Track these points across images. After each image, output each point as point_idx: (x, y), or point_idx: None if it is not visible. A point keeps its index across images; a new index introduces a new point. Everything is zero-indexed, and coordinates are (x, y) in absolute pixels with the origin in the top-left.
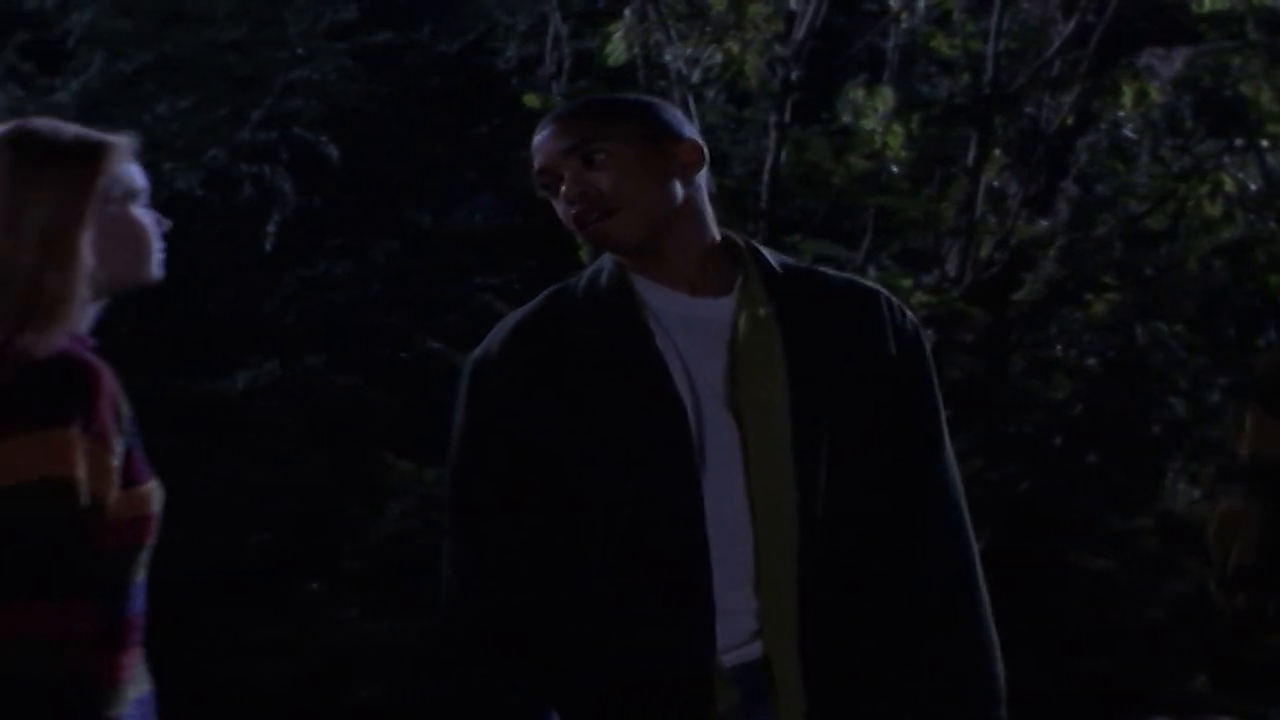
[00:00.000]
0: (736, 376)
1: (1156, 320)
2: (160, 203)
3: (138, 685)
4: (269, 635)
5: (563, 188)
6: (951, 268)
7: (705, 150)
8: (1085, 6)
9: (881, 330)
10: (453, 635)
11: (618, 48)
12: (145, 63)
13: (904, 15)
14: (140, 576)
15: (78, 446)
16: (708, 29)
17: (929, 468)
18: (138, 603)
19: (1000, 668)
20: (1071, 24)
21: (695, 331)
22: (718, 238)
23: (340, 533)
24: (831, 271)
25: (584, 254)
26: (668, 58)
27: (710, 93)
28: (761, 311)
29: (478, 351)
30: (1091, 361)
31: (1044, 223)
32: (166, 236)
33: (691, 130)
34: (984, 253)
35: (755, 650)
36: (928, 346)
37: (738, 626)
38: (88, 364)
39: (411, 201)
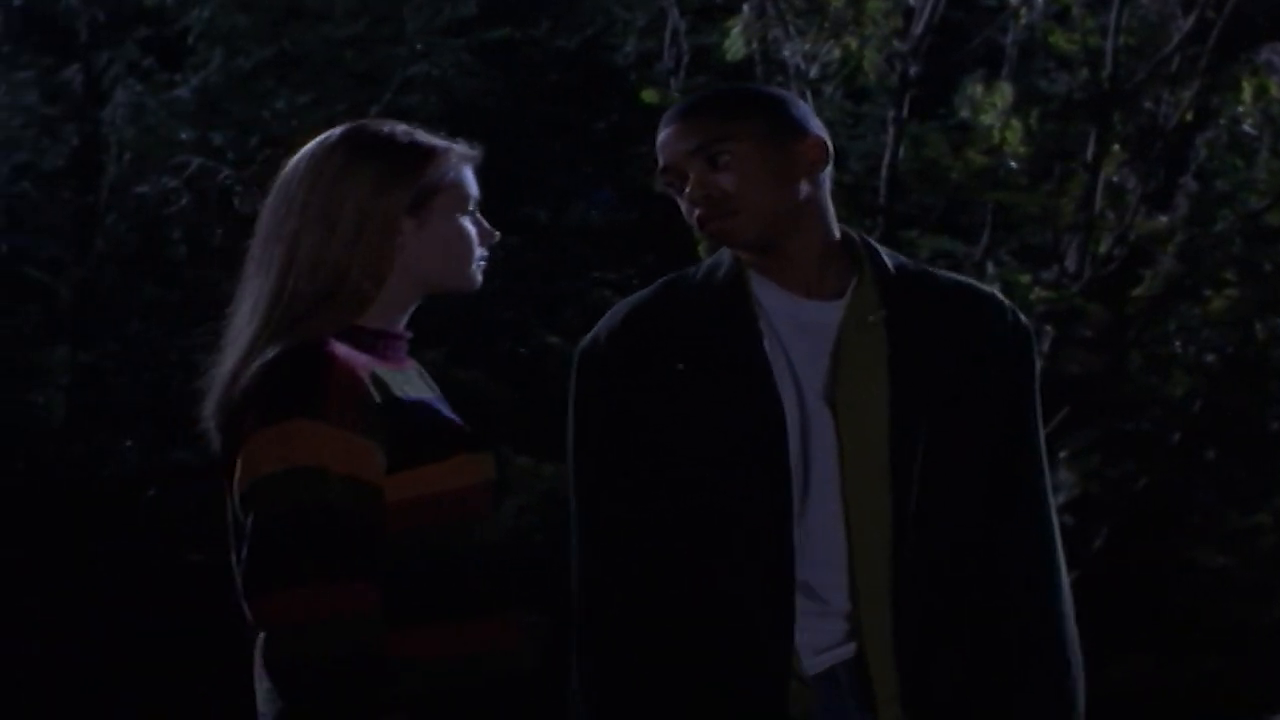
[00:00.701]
0: (838, 379)
1: (1276, 316)
2: None
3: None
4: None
5: (687, 188)
6: (1070, 263)
7: (830, 147)
8: (1205, 2)
9: (992, 336)
10: (582, 624)
11: (736, 43)
12: (264, 59)
13: (1022, 10)
14: (461, 551)
15: (321, 435)
16: (826, 24)
17: (1024, 477)
18: (461, 578)
19: (1080, 675)
20: (1191, 19)
21: (805, 334)
22: (838, 236)
23: None
24: (948, 274)
25: (702, 249)
26: (786, 53)
27: (828, 88)
28: (871, 317)
29: (588, 337)
30: (1210, 358)
31: (1163, 218)
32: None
33: (817, 126)
34: (1103, 249)
35: (849, 650)
36: (1037, 355)
37: (833, 627)
38: (323, 356)
39: (530, 197)
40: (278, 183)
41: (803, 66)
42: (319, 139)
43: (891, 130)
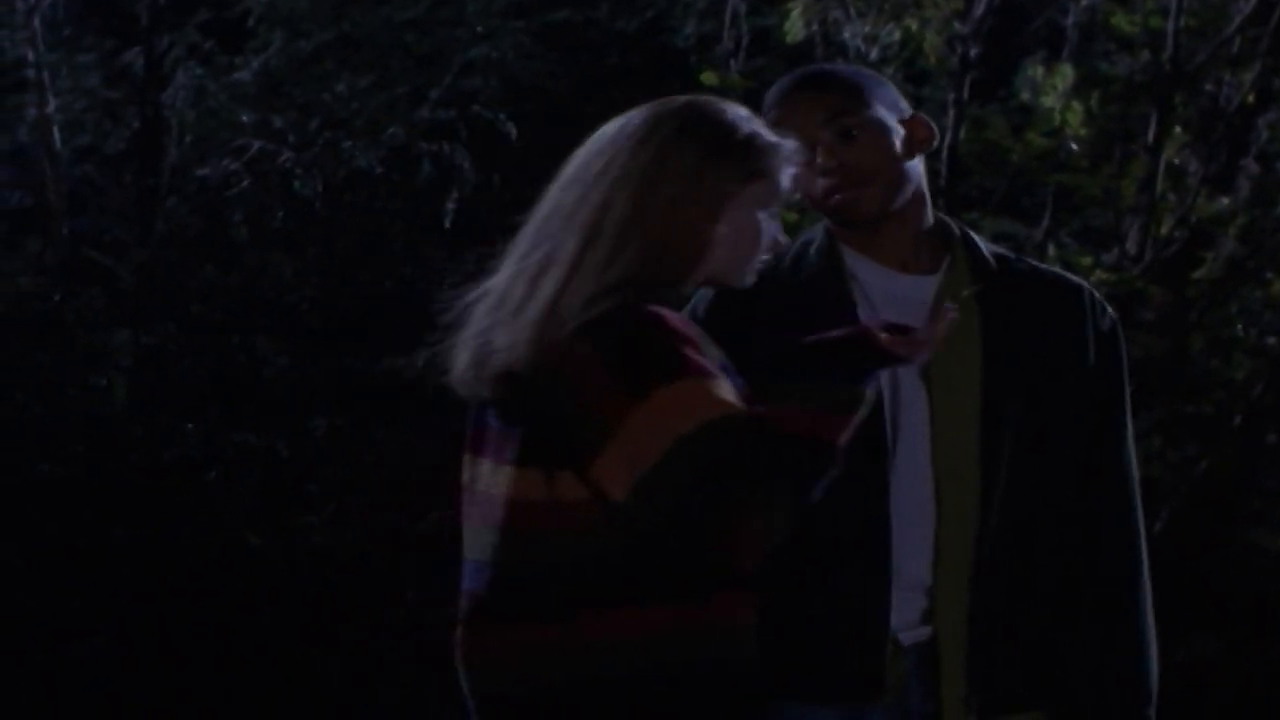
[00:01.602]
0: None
1: None
2: (339, 180)
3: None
4: (447, 612)
5: (817, 159)
6: (1131, 246)
7: (934, 127)
8: None
9: (1081, 324)
10: None
11: (796, 25)
12: (325, 41)
13: None
14: None
15: (716, 386)
16: (886, 6)
17: (1109, 464)
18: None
19: (1155, 667)
20: (1252, 1)
21: (899, 307)
22: (931, 220)
23: None
24: (1040, 264)
25: None
26: (846, 35)
27: (888, 71)
28: (964, 292)
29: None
30: (1272, 341)
31: (1224, 200)
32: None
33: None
34: (1164, 231)
35: (925, 633)
36: (1124, 345)
37: (913, 604)
38: (675, 323)
39: None
40: (600, 135)
41: (863, 49)
42: (656, 103)
43: (952, 112)
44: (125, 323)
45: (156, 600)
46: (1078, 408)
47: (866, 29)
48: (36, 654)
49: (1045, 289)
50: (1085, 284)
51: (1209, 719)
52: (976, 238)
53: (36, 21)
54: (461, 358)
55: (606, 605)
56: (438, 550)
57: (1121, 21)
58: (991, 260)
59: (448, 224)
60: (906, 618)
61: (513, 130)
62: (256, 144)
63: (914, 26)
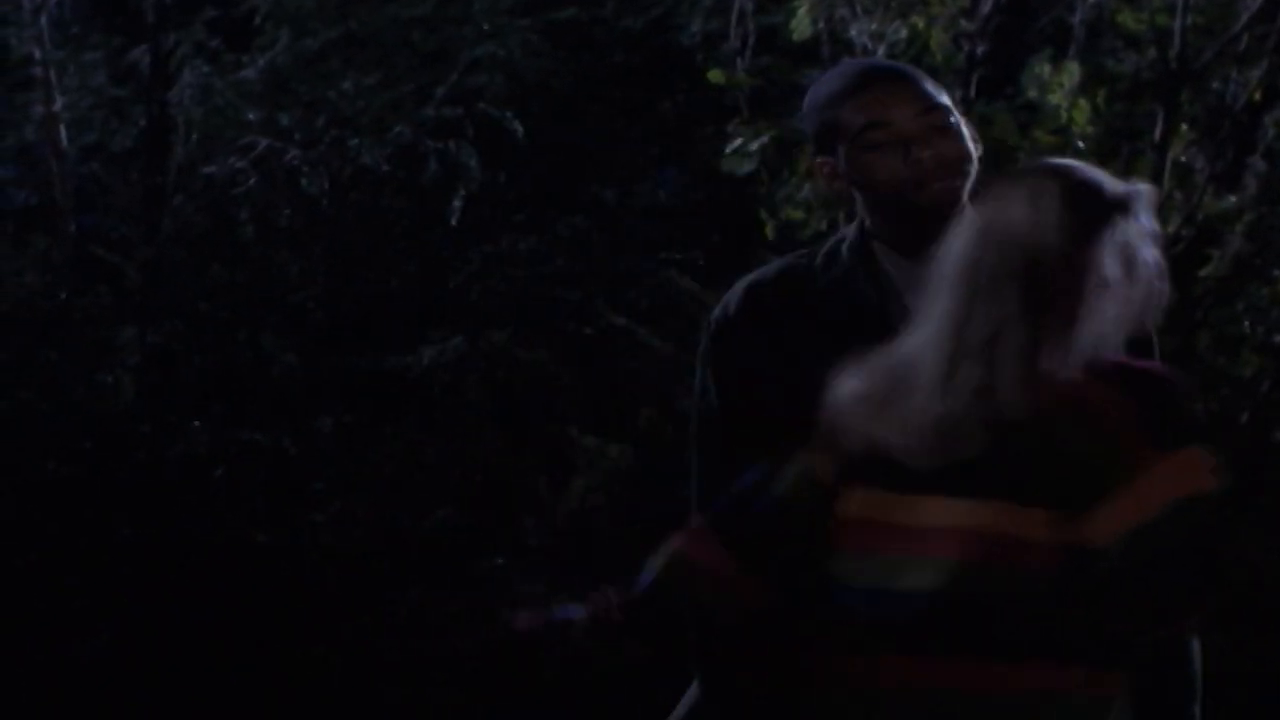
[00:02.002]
0: None
1: None
2: (346, 178)
3: None
4: (451, 611)
5: (911, 147)
6: None
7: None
8: None
9: None
10: None
11: (802, 23)
12: (331, 39)
13: None
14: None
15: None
16: (893, 4)
17: None
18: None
19: (1198, 664)
20: None
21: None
22: None
23: (524, 509)
24: None
25: (769, 230)
26: (852, 33)
27: None
28: None
29: (717, 309)
30: (1279, 338)
31: (1231, 198)
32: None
33: None
34: (1170, 229)
35: None
36: (1156, 345)
37: None
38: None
39: (595, 177)
40: (984, 227)
41: (870, 46)
42: (1018, 179)
43: (958, 110)
44: (132, 320)
45: (161, 598)
46: None
47: (873, 26)
48: (39, 653)
49: None
50: None
51: (1215, 716)
52: None
53: (43, 19)
54: (895, 428)
55: (1044, 652)
56: (442, 550)
57: (1128, 19)
58: None
59: (454, 222)
60: None
61: (519, 128)
62: (263, 142)
63: (921, 24)
